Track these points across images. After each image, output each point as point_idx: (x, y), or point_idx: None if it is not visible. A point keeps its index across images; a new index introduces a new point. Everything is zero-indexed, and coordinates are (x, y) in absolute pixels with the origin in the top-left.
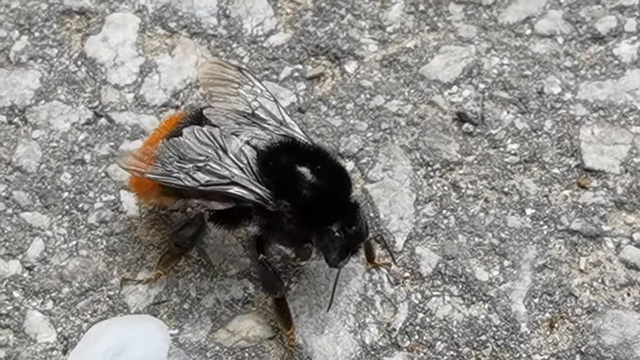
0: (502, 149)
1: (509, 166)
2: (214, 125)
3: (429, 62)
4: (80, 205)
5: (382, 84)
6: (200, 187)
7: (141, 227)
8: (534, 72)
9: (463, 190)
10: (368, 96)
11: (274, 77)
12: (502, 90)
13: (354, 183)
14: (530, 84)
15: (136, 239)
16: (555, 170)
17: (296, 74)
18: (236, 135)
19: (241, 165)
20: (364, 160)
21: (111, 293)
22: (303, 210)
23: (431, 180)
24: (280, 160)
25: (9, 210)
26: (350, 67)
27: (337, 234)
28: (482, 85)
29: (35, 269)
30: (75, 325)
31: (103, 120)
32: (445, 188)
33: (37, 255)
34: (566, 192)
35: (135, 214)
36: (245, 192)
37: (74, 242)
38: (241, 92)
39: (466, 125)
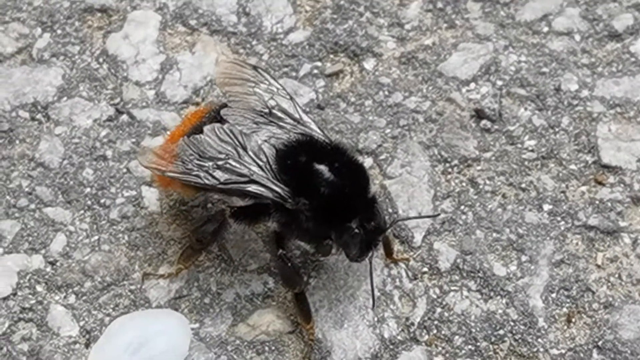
0: (519, 146)
1: (526, 162)
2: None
3: (447, 59)
4: (102, 201)
5: (401, 81)
6: (220, 185)
7: (162, 223)
8: (551, 69)
9: (481, 186)
10: (387, 93)
11: (293, 74)
12: (519, 87)
13: (372, 179)
14: (548, 81)
15: (157, 234)
16: (573, 167)
17: (315, 71)
18: (255, 134)
19: (260, 163)
20: (382, 157)
21: (133, 287)
22: (321, 208)
23: (449, 177)
24: (298, 158)
25: (32, 206)
26: (369, 64)
27: (356, 230)
28: (499, 82)
29: (58, 264)
30: (98, 319)
31: (124, 117)
32: (463, 184)
33: (59, 250)
34: (583, 188)
35: (156, 209)
36: (263, 190)
37: (96, 237)
38: (257, 91)
39: (484, 121)
